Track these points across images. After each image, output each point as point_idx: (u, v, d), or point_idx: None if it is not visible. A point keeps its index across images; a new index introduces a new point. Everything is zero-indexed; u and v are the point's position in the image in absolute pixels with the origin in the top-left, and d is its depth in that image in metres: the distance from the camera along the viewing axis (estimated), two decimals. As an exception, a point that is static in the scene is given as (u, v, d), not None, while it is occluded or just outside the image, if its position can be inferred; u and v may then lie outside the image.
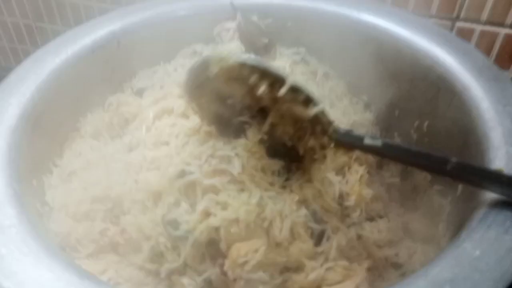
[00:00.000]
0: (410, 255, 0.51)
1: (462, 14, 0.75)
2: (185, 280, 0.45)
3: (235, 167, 0.45)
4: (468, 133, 0.51)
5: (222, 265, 0.45)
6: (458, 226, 0.51)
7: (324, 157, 0.49)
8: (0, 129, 0.48)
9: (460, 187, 0.53)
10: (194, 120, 0.52)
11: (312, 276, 0.43)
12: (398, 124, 0.66)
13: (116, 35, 0.64)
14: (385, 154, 0.46)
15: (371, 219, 0.53)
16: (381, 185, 0.59)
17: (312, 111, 0.45)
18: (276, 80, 0.44)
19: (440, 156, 0.42)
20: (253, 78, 0.43)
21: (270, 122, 0.47)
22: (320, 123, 0.46)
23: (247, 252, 0.42)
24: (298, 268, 0.44)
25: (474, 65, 0.54)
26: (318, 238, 0.46)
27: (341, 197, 0.51)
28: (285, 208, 0.45)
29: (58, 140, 0.58)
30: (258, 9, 0.70)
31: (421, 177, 0.62)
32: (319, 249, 0.45)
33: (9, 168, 0.45)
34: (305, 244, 0.44)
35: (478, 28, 0.75)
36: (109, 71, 0.65)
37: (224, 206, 0.44)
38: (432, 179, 0.60)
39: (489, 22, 0.74)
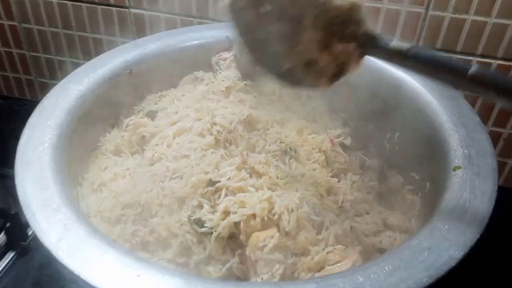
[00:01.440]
0: (391, 242, 0.62)
1: (420, 43, 0.89)
2: (210, 269, 0.53)
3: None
4: (432, 140, 0.63)
5: (240, 255, 0.54)
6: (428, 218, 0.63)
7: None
8: (45, 146, 0.56)
9: (428, 185, 0.65)
10: (209, 138, 0.62)
11: (316, 258, 0.53)
12: (372, 136, 0.77)
13: (128, 64, 0.73)
14: (409, 61, 0.46)
15: (359, 215, 0.63)
16: (365, 189, 0.70)
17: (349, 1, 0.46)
18: None
19: (460, 65, 0.44)
20: None
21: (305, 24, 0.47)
22: (353, 21, 0.46)
23: (264, 238, 0.51)
24: (304, 253, 0.54)
25: (434, 87, 0.67)
26: (319, 228, 0.56)
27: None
28: (291, 204, 0.55)
29: (83, 157, 0.66)
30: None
31: (395, 179, 0.73)
32: (320, 237, 0.55)
33: (59, 178, 0.52)
34: (309, 234, 0.54)
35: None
36: (122, 96, 0.74)
37: (242, 205, 0.54)
38: (404, 181, 0.72)
39: (442, 49, 0.88)
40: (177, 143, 0.62)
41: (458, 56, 0.88)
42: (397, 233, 0.64)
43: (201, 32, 0.81)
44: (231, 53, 0.80)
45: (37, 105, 0.62)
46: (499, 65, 0.87)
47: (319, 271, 0.53)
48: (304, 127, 0.73)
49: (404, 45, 0.45)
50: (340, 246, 0.55)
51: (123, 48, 0.76)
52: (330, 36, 0.47)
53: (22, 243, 0.86)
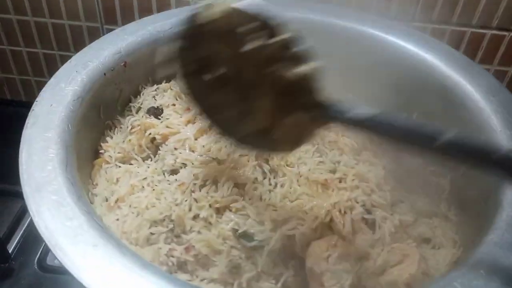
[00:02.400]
0: (431, 229, 0.59)
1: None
2: (264, 285, 0.48)
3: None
4: (464, 121, 0.60)
5: (294, 266, 0.49)
6: (462, 202, 0.61)
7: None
8: (55, 166, 0.46)
9: (462, 167, 0.62)
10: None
11: (379, 261, 0.49)
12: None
13: (122, 56, 0.63)
14: (373, 127, 0.42)
15: (395, 204, 0.59)
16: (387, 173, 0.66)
17: (308, 67, 0.41)
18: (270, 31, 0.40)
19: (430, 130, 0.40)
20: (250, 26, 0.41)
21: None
22: (307, 91, 0.42)
23: (327, 247, 0.47)
24: (363, 257, 0.50)
25: (461, 65, 0.64)
26: (372, 228, 0.52)
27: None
28: (341, 205, 0.51)
29: (87, 168, 0.57)
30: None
31: (413, 161, 0.70)
32: (376, 236, 0.51)
33: (81, 203, 0.44)
34: (366, 235, 0.50)
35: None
36: (117, 93, 0.64)
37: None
38: (424, 161, 0.69)
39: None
40: (203, 146, 0.54)
41: (453, 28, 0.86)
42: (433, 219, 0.61)
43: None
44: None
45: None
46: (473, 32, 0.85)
47: (382, 274, 0.49)
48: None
49: (364, 113, 0.41)
50: (397, 244, 0.51)
51: (111, 37, 0.65)
52: (285, 105, 0.44)
53: (2, 264, 0.75)
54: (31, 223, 0.81)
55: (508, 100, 0.59)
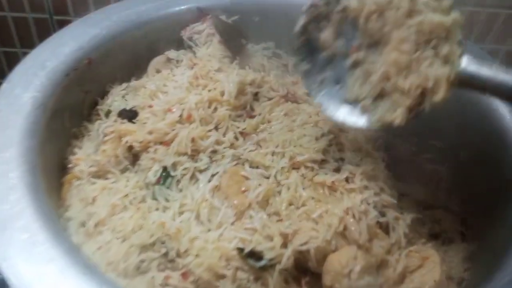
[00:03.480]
0: (437, 223, 0.56)
1: None
2: (278, 308, 0.43)
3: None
4: (462, 107, 0.57)
5: (308, 283, 0.44)
6: (464, 192, 0.58)
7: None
8: (21, 193, 0.38)
9: (462, 153, 0.59)
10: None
11: (399, 268, 0.45)
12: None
13: (85, 52, 0.55)
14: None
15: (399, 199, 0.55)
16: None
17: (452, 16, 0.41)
18: None
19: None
20: None
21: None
22: (450, 41, 0.41)
23: (347, 261, 0.42)
24: (382, 264, 0.45)
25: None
26: (386, 231, 0.48)
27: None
28: (355, 209, 0.46)
29: (54, 188, 0.49)
30: (223, 7, 0.66)
31: (403, 148, 0.66)
32: (392, 240, 0.47)
33: (60, 240, 0.36)
34: (383, 241, 0.46)
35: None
36: (82, 95, 0.56)
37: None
38: (417, 149, 0.65)
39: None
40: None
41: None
42: (435, 211, 0.58)
43: (161, 1, 0.64)
44: (205, 25, 0.65)
45: None
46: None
47: (402, 282, 0.45)
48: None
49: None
50: (414, 247, 0.47)
51: (70, 30, 0.57)
52: (418, 58, 0.42)
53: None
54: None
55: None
